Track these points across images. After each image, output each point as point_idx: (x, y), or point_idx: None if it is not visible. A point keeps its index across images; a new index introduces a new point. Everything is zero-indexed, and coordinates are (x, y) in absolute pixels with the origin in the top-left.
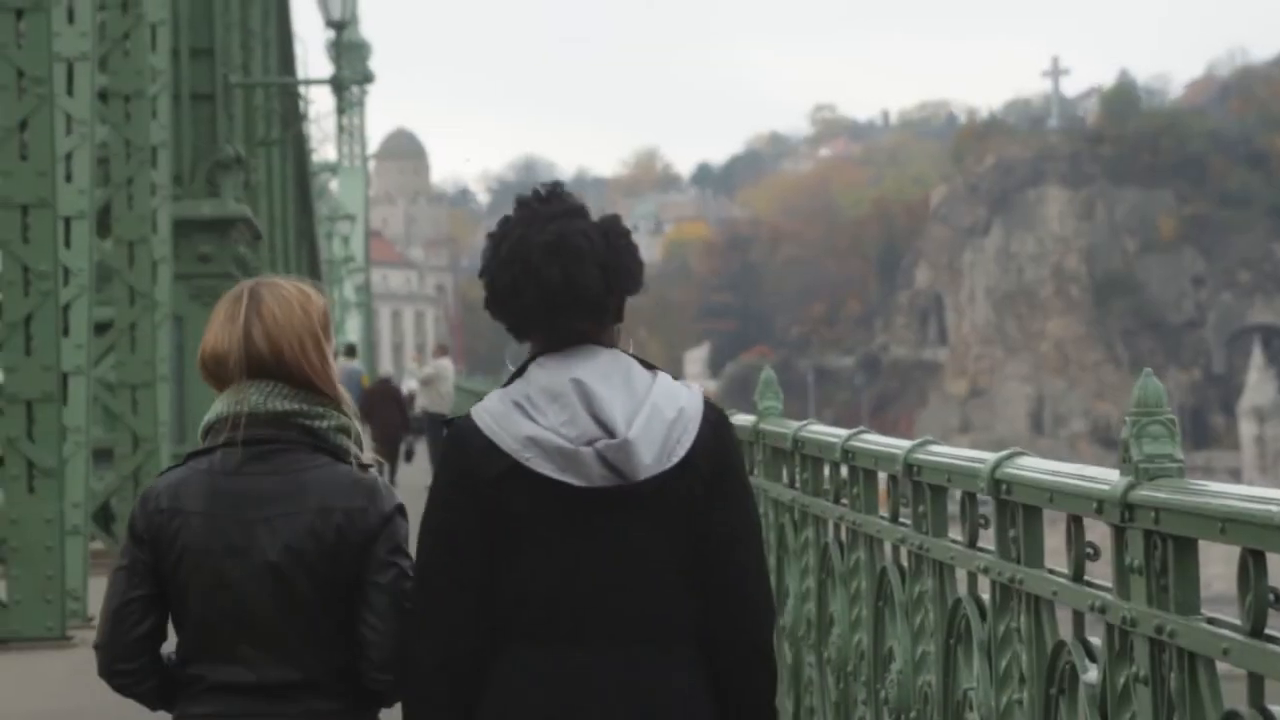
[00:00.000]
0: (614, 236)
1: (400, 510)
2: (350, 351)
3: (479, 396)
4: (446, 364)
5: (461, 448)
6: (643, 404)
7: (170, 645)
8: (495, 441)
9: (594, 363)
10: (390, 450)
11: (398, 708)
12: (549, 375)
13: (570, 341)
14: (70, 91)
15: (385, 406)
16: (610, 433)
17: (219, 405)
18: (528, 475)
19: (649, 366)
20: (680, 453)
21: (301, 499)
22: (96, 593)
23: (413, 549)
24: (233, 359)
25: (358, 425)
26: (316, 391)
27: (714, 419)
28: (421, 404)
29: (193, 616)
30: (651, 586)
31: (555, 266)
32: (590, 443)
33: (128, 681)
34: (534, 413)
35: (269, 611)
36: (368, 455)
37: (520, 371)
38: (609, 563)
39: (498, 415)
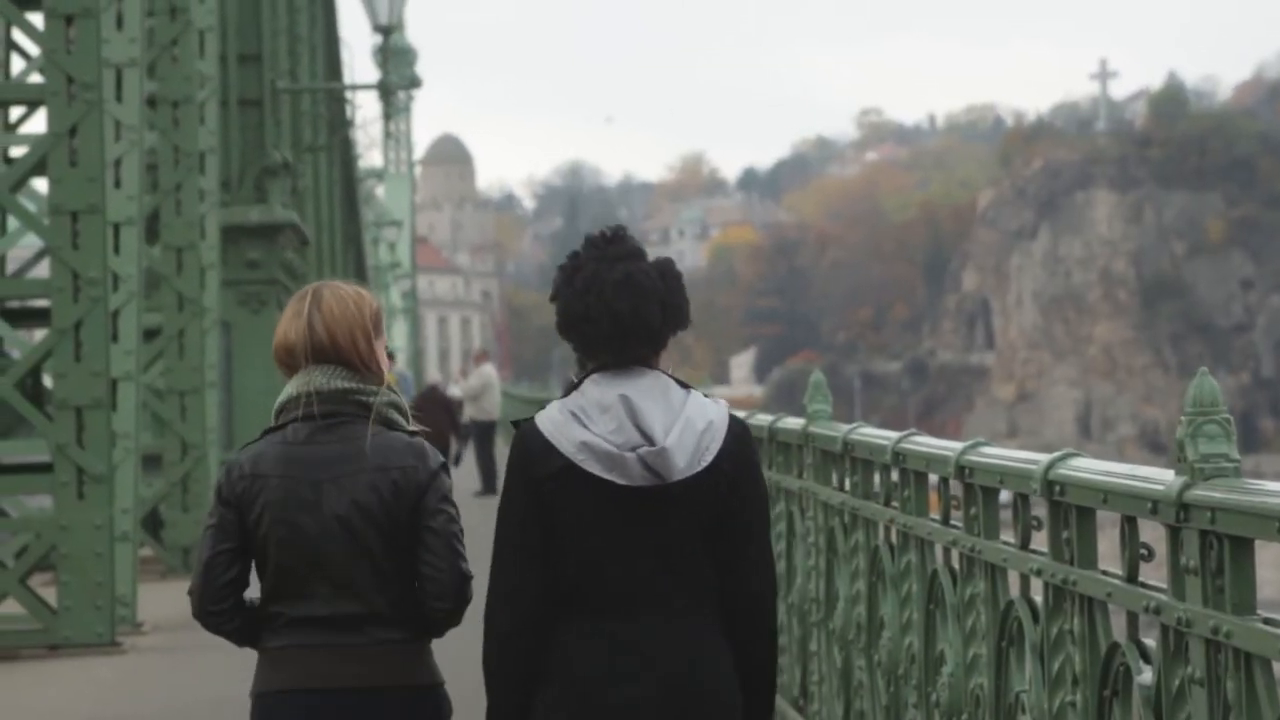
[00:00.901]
0: (670, 278)
1: (444, 467)
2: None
3: (525, 402)
4: (489, 371)
5: (525, 448)
6: (678, 417)
7: (253, 591)
8: (554, 444)
9: (640, 382)
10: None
11: (448, 639)
12: (601, 391)
13: (632, 364)
14: (119, 98)
15: (434, 413)
16: (651, 441)
17: (290, 387)
18: (580, 474)
19: (684, 385)
20: (708, 459)
21: (362, 461)
22: (146, 599)
23: (458, 499)
24: (299, 347)
25: (403, 400)
26: (366, 373)
27: (737, 430)
28: (470, 413)
29: (273, 563)
30: (684, 569)
31: (625, 301)
32: (634, 449)
33: (218, 620)
34: (587, 421)
35: (339, 556)
36: (414, 425)
37: (576, 385)
38: (648, 549)
39: (557, 423)
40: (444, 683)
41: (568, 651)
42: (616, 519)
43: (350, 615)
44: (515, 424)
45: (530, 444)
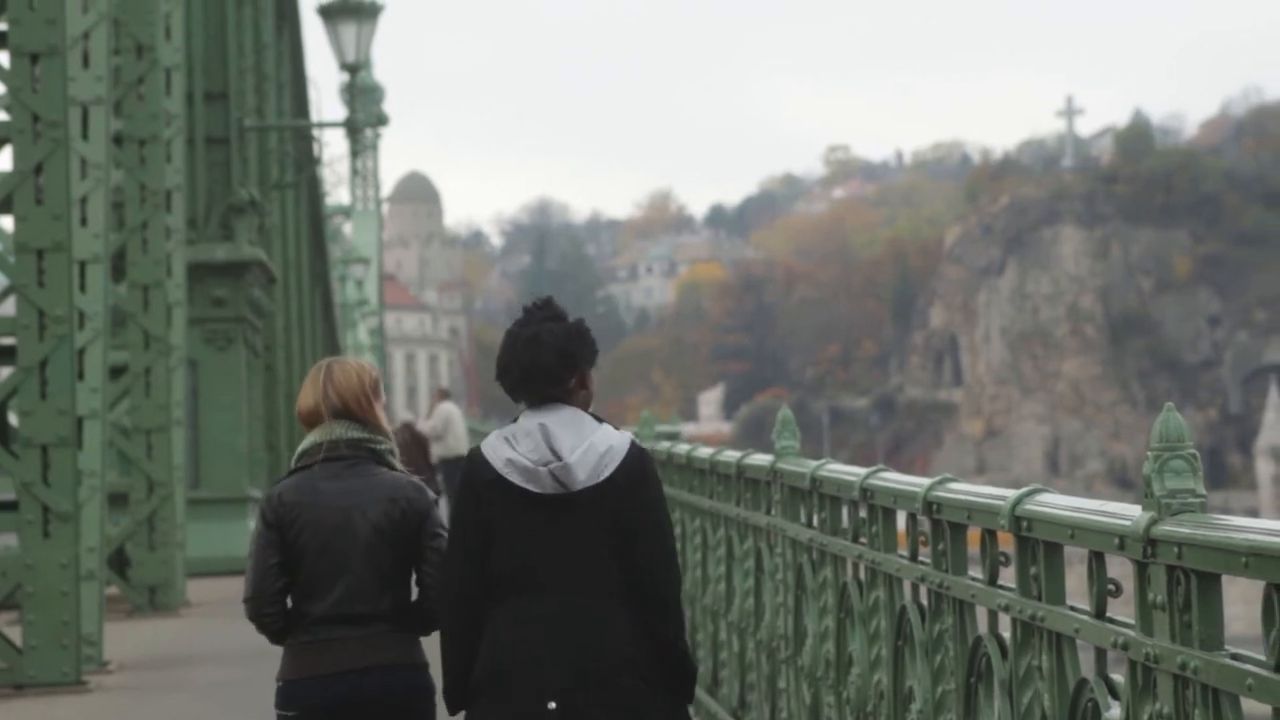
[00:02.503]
0: (574, 336)
1: (437, 500)
2: None
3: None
4: (449, 409)
5: (470, 465)
6: (584, 441)
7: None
8: (490, 461)
9: (559, 414)
10: None
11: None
12: (527, 421)
13: (543, 402)
14: (85, 136)
15: (410, 450)
16: (559, 458)
17: (313, 436)
18: (506, 483)
19: (599, 420)
20: (606, 473)
21: (377, 492)
22: (112, 638)
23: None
24: (321, 408)
25: (396, 447)
26: (373, 428)
27: (635, 453)
28: (437, 451)
29: (306, 570)
30: (589, 560)
31: (528, 354)
32: (546, 464)
33: (271, 620)
34: (514, 444)
35: (358, 567)
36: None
37: (515, 420)
38: (560, 543)
39: (493, 445)
40: (429, 665)
41: (498, 622)
42: (536, 519)
43: (361, 613)
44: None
45: (474, 462)
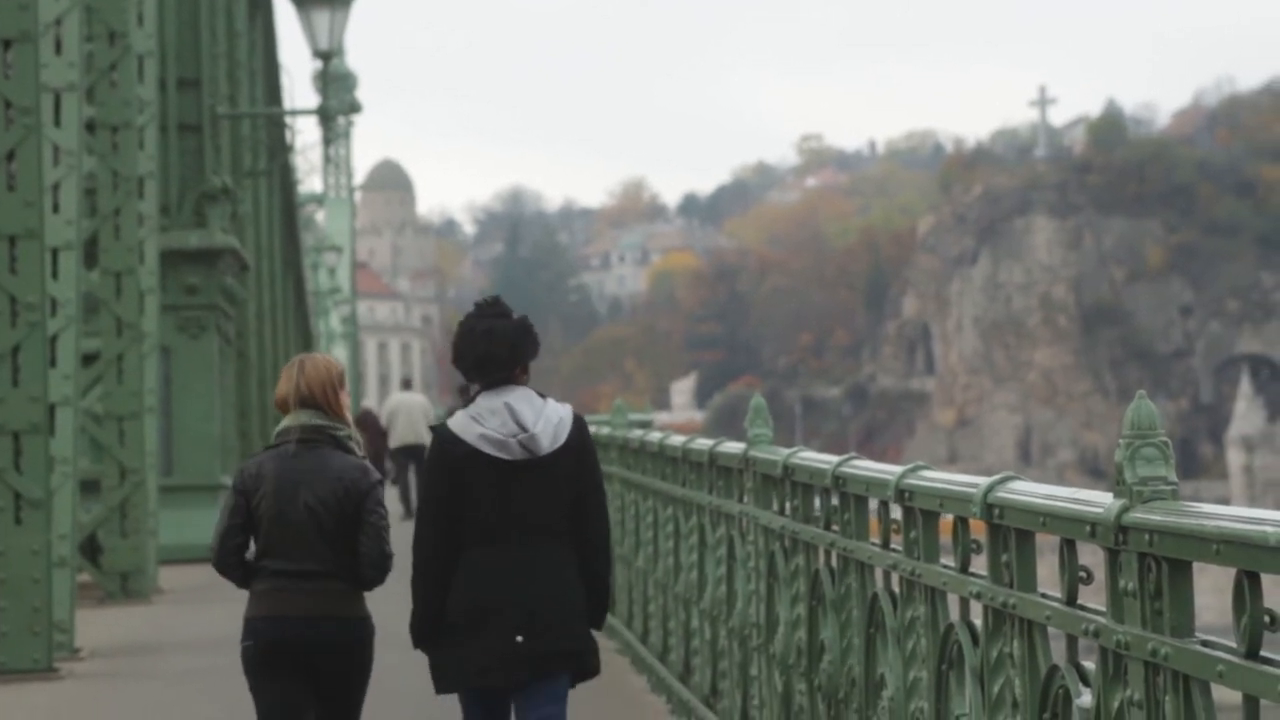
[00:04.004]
0: (519, 331)
1: (380, 482)
2: None
3: None
4: (401, 399)
5: (441, 441)
6: (541, 415)
7: (250, 552)
8: (461, 436)
9: (515, 393)
10: None
11: (377, 595)
12: (489, 400)
13: (496, 383)
14: (58, 122)
15: (367, 436)
16: (525, 430)
17: (285, 421)
18: (480, 454)
19: (543, 396)
20: (562, 440)
21: (326, 473)
22: (84, 625)
23: (389, 504)
24: (291, 398)
25: (357, 435)
26: (334, 416)
27: (579, 423)
28: (391, 442)
29: (264, 533)
30: (549, 513)
31: (484, 345)
32: (514, 436)
33: (229, 570)
34: (482, 421)
35: (307, 532)
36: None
37: (471, 399)
38: (526, 500)
39: (462, 423)
40: (370, 615)
41: (472, 561)
42: (506, 481)
43: (309, 570)
44: (433, 428)
45: (444, 438)
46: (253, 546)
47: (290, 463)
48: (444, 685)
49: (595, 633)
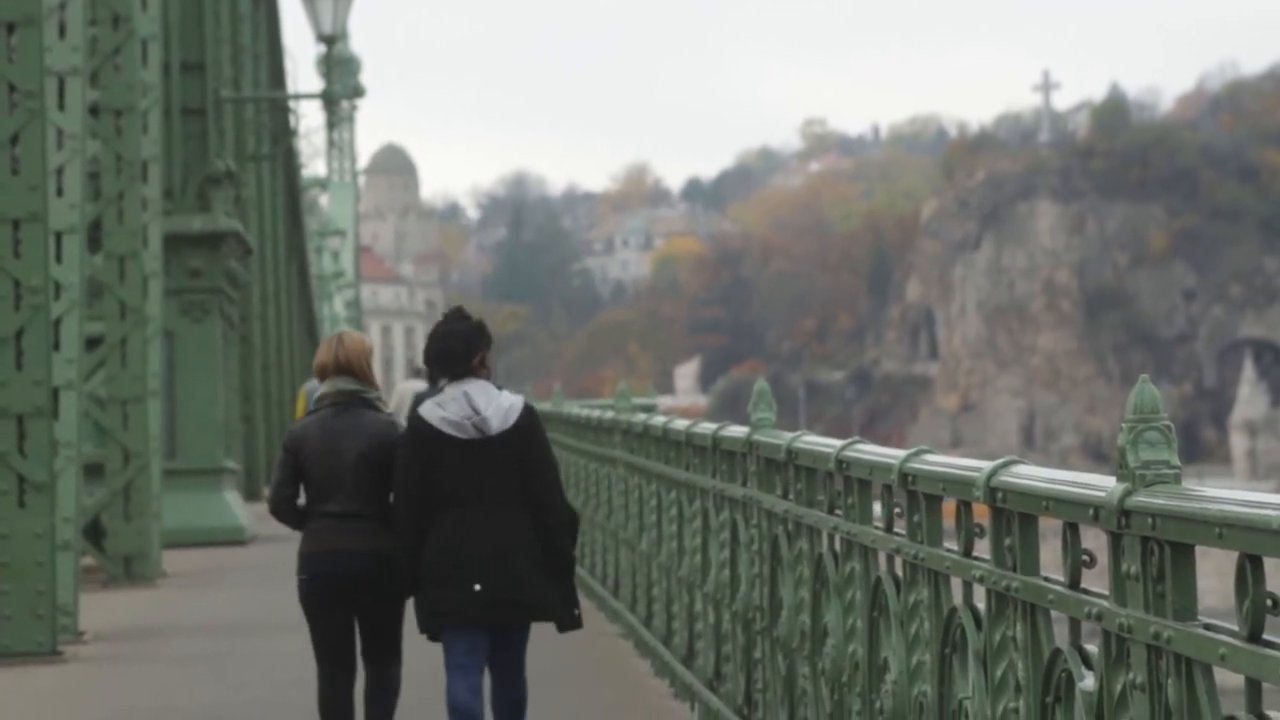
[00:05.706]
0: (474, 329)
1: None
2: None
3: None
4: (405, 387)
5: (414, 423)
6: (494, 401)
7: (302, 498)
8: (429, 420)
9: (473, 385)
10: None
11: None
12: (452, 390)
13: (457, 376)
14: (61, 106)
15: None
16: (478, 413)
17: (324, 387)
18: (443, 434)
19: (500, 388)
20: (511, 422)
21: (361, 429)
22: (88, 608)
23: None
24: (330, 367)
25: (384, 397)
26: (366, 382)
27: (528, 409)
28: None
29: (312, 483)
30: (503, 484)
31: (441, 344)
32: (468, 418)
33: (284, 516)
34: (445, 406)
35: (348, 481)
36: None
37: (439, 389)
38: (482, 472)
39: (429, 409)
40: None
41: (439, 528)
42: (464, 456)
43: (351, 512)
44: (412, 414)
45: (417, 421)
46: (303, 495)
47: (331, 423)
48: (421, 626)
49: (586, 614)
